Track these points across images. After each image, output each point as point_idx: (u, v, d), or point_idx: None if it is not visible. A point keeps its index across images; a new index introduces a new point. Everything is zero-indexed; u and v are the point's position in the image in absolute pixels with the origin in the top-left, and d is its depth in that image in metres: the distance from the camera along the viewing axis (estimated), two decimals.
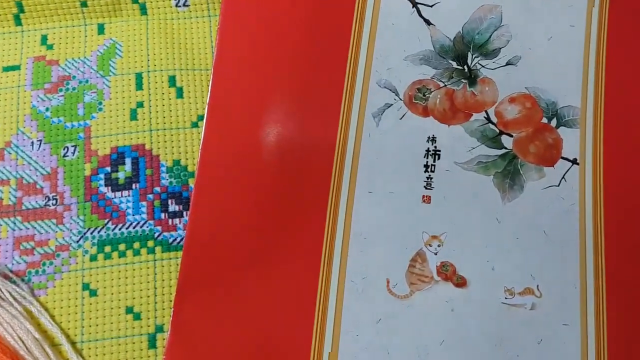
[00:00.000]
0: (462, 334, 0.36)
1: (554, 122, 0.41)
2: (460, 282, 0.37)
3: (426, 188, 0.39)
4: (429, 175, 0.39)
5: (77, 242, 0.40)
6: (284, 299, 0.38)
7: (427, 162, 0.39)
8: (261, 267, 0.39)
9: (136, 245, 0.41)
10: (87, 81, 0.43)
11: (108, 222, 0.41)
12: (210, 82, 0.41)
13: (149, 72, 0.46)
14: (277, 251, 0.39)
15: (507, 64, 0.42)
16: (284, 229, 0.40)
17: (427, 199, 0.39)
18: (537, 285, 0.37)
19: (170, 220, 0.42)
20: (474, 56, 0.42)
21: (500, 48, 0.42)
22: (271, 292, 0.39)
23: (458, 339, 0.36)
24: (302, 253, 0.39)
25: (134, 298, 0.40)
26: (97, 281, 0.40)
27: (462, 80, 0.42)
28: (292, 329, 0.37)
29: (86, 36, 0.44)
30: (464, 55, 0.42)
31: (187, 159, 0.42)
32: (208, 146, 0.41)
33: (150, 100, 0.43)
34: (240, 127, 0.41)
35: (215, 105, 0.42)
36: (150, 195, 0.42)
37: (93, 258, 0.40)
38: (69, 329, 0.38)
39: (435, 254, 0.37)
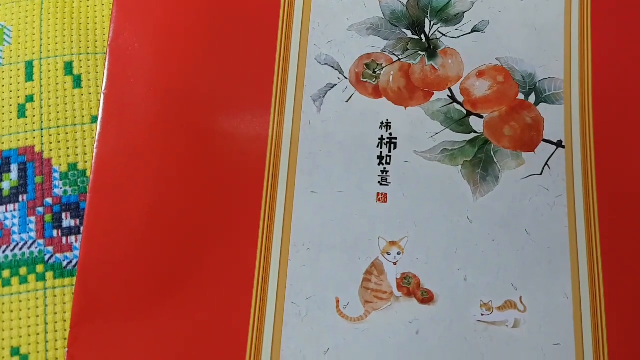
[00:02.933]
0: None
1: (532, 98, 0.38)
2: (426, 298, 0.35)
3: (381, 184, 0.37)
4: (384, 168, 0.37)
5: None
6: (207, 331, 0.35)
7: (381, 152, 0.37)
8: (177, 291, 0.35)
9: (23, 271, 0.38)
10: None
11: None
12: (106, 66, 0.37)
13: (41, 59, 0.42)
14: (198, 271, 0.36)
15: (473, 30, 0.39)
16: (205, 244, 0.36)
17: (382, 198, 0.36)
18: (520, 297, 0.35)
19: (64, 239, 0.39)
20: (432, 23, 0.39)
21: (464, 12, 0.39)
22: (191, 323, 0.35)
23: None
24: (229, 272, 0.35)
25: (20, 336, 0.37)
26: None
27: (420, 52, 0.39)
28: None
29: None
30: (420, 22, 0.39)
31: (85, 161, 0.39)
32: (104, 144, 0.37)
33: (42, 93, 0.41)
34: (144, 121, 0.37)
35: (111, 95, 0.38)
36: (41, 209, 0.39)
37: None
38: None
39: (395, 264, 0.35)
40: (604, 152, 0.37)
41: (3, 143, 0.40)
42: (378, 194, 0.36)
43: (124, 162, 0.37)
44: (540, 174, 0.36)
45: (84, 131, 0.41)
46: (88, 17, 0.43)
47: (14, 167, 0.39)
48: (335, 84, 0.38)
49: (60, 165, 0.40)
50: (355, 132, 0.37)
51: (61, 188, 0.40)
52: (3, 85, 0.41)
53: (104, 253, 0.36)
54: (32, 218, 0.39)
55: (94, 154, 0.36)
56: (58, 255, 0.39)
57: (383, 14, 0.39)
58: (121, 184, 0.36)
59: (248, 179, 0.37)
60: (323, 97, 0.38)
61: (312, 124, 0.38)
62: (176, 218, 0.36)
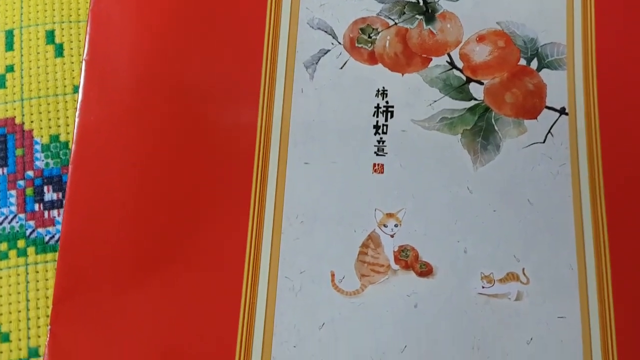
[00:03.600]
0: (429, 336, 0.33)
1: (534, 64, 0.37)
2: (425, 271, 0.34)
3: (377, 154, 0.36)
4: (380, 138, 0.36)
5: None
6: (196, 308, 0.34)
7: (377, 121, 0.36)
8: (165, 266, 0.34)
9: (3, 246, 0.37)
10: None
11: None
12: (87, 31, 0.36)
13: (21, 28, 0.41)
14: (187, 246, 0.35)
15: None
16: (195, 217, 0.35)
17: (379, 168, 0.36)
18: (523, 269, 0.34)
19: (46, 213, 0.38)
20: None
21: None
22: (179, 299, 0.34)
23: (424, 343, 0.33)
24: (219, 246, 0.34)
25: (0, 314, 0.36)
26: None
27: (417, 16, 0.38)
28: (208, 345, 0.33)
29: None
30: None
31: (68, 133, 0.38)
32: (86, 113, 0.36)
33: (22, 63, 0.40)
34: (128, 88, 0.36)
35: (93, 61, 0.36)
36: (22, 182, 0.38)
37: None
38: None
39: (392, 236, 0.34)
40: (609, 119, 0.36)
41: None
42: (374, 164, 0.36)
43: (107, 131, 0.36)
44: (543, 142, 0.36)
45: (66, 102, 0.40)
46: None
47: None
48: (329, 50, 0.37)
49: (42, 137, 0.39)
50: (350, 101, 0.37)
51: (43, 160, 0.39)
52: None
53: (87, 227, 0.34)
54: (13, 192, 0.38)
55: (76, 123, 0.35)
56: (40, 230, 0.38)
57: None
58: (105, 154, 0.35)
59: (238, 149, 0.36)
60: (316, 63, 0.37)
61: (304, 92, 0.37)
62: (164, 190, 0.35)
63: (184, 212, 0.35)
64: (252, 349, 0.33)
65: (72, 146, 0.35)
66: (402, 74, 0.37)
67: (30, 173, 0.39)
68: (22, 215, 0.38)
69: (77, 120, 0.35)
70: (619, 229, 0.34)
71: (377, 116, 0.36)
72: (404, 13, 0.38)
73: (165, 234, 0.35)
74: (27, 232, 0.38)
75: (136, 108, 0.36)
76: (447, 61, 0.37)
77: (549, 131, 0.36)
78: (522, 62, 0.37)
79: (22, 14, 0.41)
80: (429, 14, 0.38)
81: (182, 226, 0.35)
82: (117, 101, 0.36)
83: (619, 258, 0.34)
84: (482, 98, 0.37)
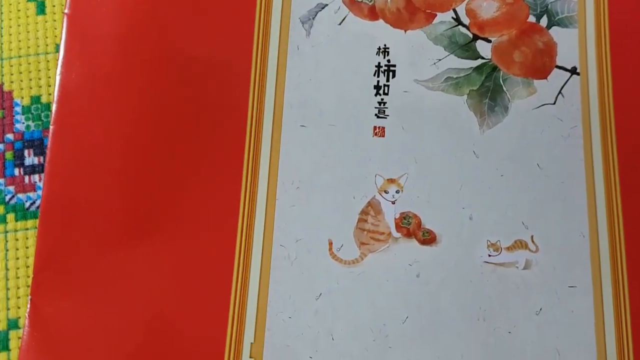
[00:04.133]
0: (431, 307, 0.32)
1: (544, 21, 0.36)
2: (428, 239, 0.33)
3: (378, 117, 0.35)
4: (382, 99, 0.35)
5: None
6: (185, 275, 0.32)
7: (378, 82, 0.35)
8: (153, 233, 0.33)
9: None
10: None
11: None
12: None
13: None
14: (175, 212, 0.33)
15: None
16: (183, 181, 0.34)
17: (380, 132, 0.34)
18: (532, 237, 0.33)
19: (26, 178, 0.37)
20: None
21: None
22: (167, 267, 0.33)
23: (426, 314, 0.32)
24: (210, 213, 0.33)
25: None
26: None
27: None
28: (198, 315, 0.32)
29: None
30: None
31: (50, 94, 0.37)
32: (68, 71, 0.34)
33: (2, 21, 0.39)
34: (112, 43, 0.35)
35: (75, 16, 0.35)
36: (1, 146, 0.37)
37: None
38: None
39: (393, 203, 0.34)
40: (622, 79, 0.35)
41: None
42: (375, 127, 0.34)
43: (90, 90, 0.34)
44: (554, 104, 0.35)
45: (48, 61, 0.39)
46: None
47: None
48: (327, 4, 0.36)
49: (22, 98, 0.38)
50: (349, 59, 0.35)
51: (23, 123, 0.38)
52: None
53: (69, 191, 0.33)
54: None
55: (57, 81, 0.34)
56: (20, 195, 0.37)
57: None
58: (88, 115, 0.34)
59: (230, 111, 0.34)
60: (313, 19, 0.36)
61: (300, 50, 0.35)
62: (150, 151, 0.34)
63: (172, 175, 0.34)
64: (245, 319, 0.32)
65: (53, 106, 0.33)
66: (405, 31, 0.36)
67: (10, 136, 0.38)
68: (1, 180, 0.37)
69: (58, 78, 0.34)
70: (633, 194, 0.33)
71: (378, 76, 0.35)
72: None
73: (152, 197, 0.33)
74: (7, 198, 0.37)
75: (120, 64, 0.34)
76: (452, 17, 0.36)
77: (560, 92, 0.35)
78: (532, 19, 0.36)
79: None
80: None
81: (171, 190, 0.33)
82: (101, 58, 0.34)
83: (632, 224, 0.33)
84: (489, 56, 0.35)
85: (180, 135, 0.34)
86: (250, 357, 0.32)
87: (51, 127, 0.33)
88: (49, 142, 0.33)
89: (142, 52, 0.34)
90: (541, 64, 0.35)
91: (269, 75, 0.35)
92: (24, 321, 0.33)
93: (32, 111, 0.38)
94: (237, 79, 0.34)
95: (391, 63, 0.35)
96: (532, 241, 0.33)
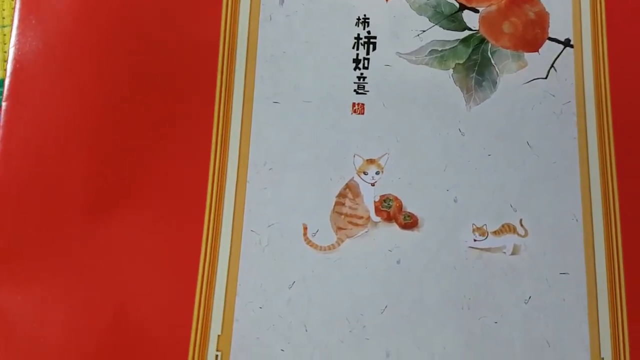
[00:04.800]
0: (412, 295, 0.32)
1: None
2: (409, 223, 0.32)
3: (357, 92, 0.34)
4: (361, 74, 0.34)
5: None
6: (150, 264, 0.31)
7: (357, 54, 0.34)
8: (114, 218, 0.32)
9: None
10: None
11: None
12: None
13: None
14: (137, 194, 0.32)
15: None
16: (144, 162, 0.32)
17: (359, 108, 0.34)
18: (520, 220, 0.32)
19: None
20: None
21: None
22: (130, 256, 0.31)
23: (407, 303, 0.31)
24: (174, 195, 0.32)
25: None
26: None
27: None
28: (162, 305, 0.31)
29: None
30: None
31: (4, 70, 0.33)
32: (22, 43, 0.33)
33: None
34: (68, 14, 0.33)
35: None
36: None
37: None
38: None
39: (373, 184, 0.33)
40: (619, 51, 0.34)
41: None
42: (354, 104, 0.34)
43: (45, 62, 0.33)
44: (545, 78, 0.34)
45: (5, 35, 0.37)
46: None
47: None
48: None
49: None
50: (326, 30, 0.34)
51: None
52: None
53: (24, 173, 0.32)
54: None
55: (10, 56, 0.32)
56: None
57: None
58: (43, 91, 0.32)
59: (195, 84, 0.33)
60: None
61: (273, 20, 0.34)
62: (109, 132, 0.32)
63: (134, 156, 0.32)
64: (212, 310, 0.31)
65: (6, 80, 0.32)
66: (387, 0, 0.35)
67: None
68: None
69: (11, 51, 0.32)
70: (630, 175, 0.33)
71: (357, 48, 0.34)
72: None
73: (113, 179, 0.32)
74: None
75: (78, 33, 0.33)
76: None
77: (552, 65, 0.34)
78: None
79: None
80: None
81: (132, 171, 0.32)
82: (56, 31, 0.33)
83: (629, 207, 0.32)
84: (477, 28, 0.35)
85: (142, 112, 0.32)
86: (217, 349, 0.31)
87: (3, 103, 0.32)
88: (2, 120, 0.31)
89: (100, 23, 0.33)
90: (532, 35, 0.34)
91: (238, 46, 0.34)
92: None
93: None
94: (204, 50, 0.33)
95: (371, 35, 0.34)
96: (521, 225, 0.32)
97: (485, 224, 0.32)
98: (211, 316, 0.31)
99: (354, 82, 0.34)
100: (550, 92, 0.34)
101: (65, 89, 0.32)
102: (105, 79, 0.32)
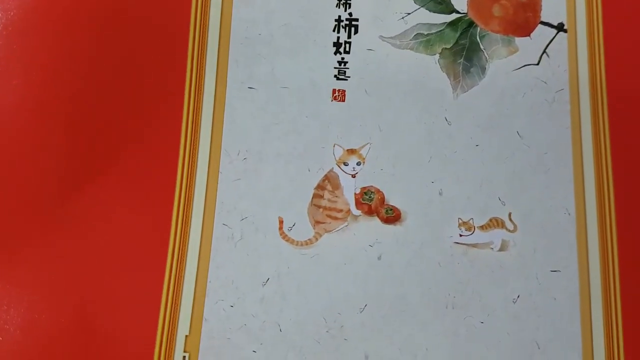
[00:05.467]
0: (394, 293, 0.31)
1: None
2: (392, 217, 0.32)
3: (338, 78, 0.33)
4: (342, 58, 0.33)
5: None
6: (113, 259, 0.31)
7: (338, 38, 0.34)
8: (77, 210, 0.31)
9: None
10: None
11: None
12: None
13: None
14: (101, 183, 0.31)
15: None
16: (109, 149, 0.31)
17: (339, 95, 0.33)
18: (509, 214, 0.32)
19: None
20: None
21: None
22: (93, 250, 0.31)
23: (388, 301, 0.31)
24: (140, 186, 0.31)
25: None
26: None
27: None
28: (126, 304, 0.30)
29: None
30: None
31: None
32: None
33: None
34: None
35: None
36: None
37: None
38: None
39: (354, 176, 0.32)
40: (615, 37, 0.34)
41: None
42: (334, 90, 0.33)
43: (6, 32, 0.32)
44: (537, 64, 0.34)
45: None
46: None
47: None
48: None
49: None
50: (305, 11, 0.34)
51: None
52: None
53: None
54: None
55: None
56: None
57: None
58: (9, 69, 0.31)
59: (166, 67, 0.32)
60: None
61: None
62: (71, 118, 0.31)
63: (97, 141, 0.31)
64: (180, 308, 0.30)
65: None
66: None
67: None
68: None
69: None
70: (626, 167, 0.32)
71: (338, 31, 0.34)
72: None
73: (75, 170, 0.31)
74: None
75: (40, 13, 0.32)
76: None
77: (544, 51, 0.34)
78: None
79: None
80: None
81: (96, 158, 0.31)
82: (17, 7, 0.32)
83: (624, 201, 0.32)
84: (465, 10, 0.34)
85: (108, 96, 0.32)
86: (185, 351, 0.30)
87: None
88: None
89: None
90: (524, 19, 0.34)
91: (211, 26, 0.33)
92: None
93: None
94: (174, 30, 0.33)
95: (353, 17, 0.34)
96: (510, 219, 0.32)
97: (472, 218, 0.32)
98: (178, 315, 0.30)
99: (335, 68, 0.33)
100: (542, 79, 0.33)
101: (23, 72, 0.31)
102: (74, 60, 0.32)
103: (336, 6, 0.33)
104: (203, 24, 0.33)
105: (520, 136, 0.32)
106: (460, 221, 0.32)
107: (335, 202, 0.32)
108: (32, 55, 0.32)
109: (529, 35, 0.34)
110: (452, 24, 0.34)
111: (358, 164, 0.32)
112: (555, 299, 0.31)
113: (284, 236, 0.31)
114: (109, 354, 0.29)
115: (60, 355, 0.29)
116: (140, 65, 0.32)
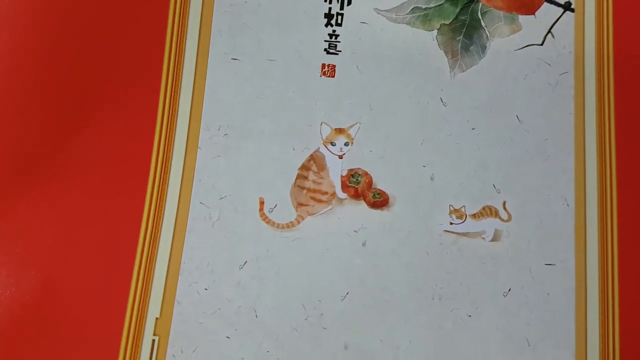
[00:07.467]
0: (377, 281, 0.31)
1: None
2: (379, 201, 0.32)
3: (328, 52, 0.33)
4: (333, 31, 0.33)
5: None
6: (81, 235, 0.31)
7: (329, 9, 0.33)
8: (44, 179, 0.31)
9: None
10: None
11: None
12: None
13: None
14: (74, 153, 0.31)
15: None
16: (81, 123, 0.31)
17: (329, 70, 0.33)
18: (504, 203, 0.32)
19: None
20: None
21: None
22: (61, 225, 0.31)
23: (371, 290, 0.31)
24: (114, 160, 0.31)
25: None
26: None
27: None
28: (94, 284, 0.30)
29: None
30: None
31: None
32: None
33: None
34: None
35: None
36: None
37: None
38: None
39: (341, 157, 0.32)
40: (625, 18, 0.33)
41: None
42: (323, 65, 0.33)
43: None
44: (541, 45, 0.34)
45: None
46: None
47: None
48: None
49: None
50: None
51: None
52: None
53: None
54: None
55: None
56: None
57: None
58: None
59: (144, 35, 0.32)
60: None
61: None
62: (39, 86, 0.31)
63: (72, 114, 0.31)
64: (151, 289, 0.30)
65: None
66: None
67: None
68: None
69: None
70: (631, 156, 0.32)
71: (330, 2, 0.33)
72: None
73: (47, 135, 0.31)
74: None
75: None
76: None
77: (549, 31, 0.34)
78: None
79: None
80: None
81: (66, 133, 0.31)
82: None
83: (627, 193, 0.31)
84: None
85: (86, 63, 0.32)
86: (154, 334, 0.30)
87: None
88: None
89: None
90: None
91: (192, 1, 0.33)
92: None
93: None
94: (152, 5, 0.32)
95: None
96: (504, 208, 0.32)
97: (464, 206, 0.32)
98: (149, 296, 0.30)
99: (325, 40, 0.33)
100: (545, 61, 0.33)
101: (3, 28, 0.31)
102: (53, 24, 0.32)
103: None
104: None
105: (519, 120, 0.32)
106: (451, 208, 0.32)
107: (320, 183, 0.32)
108: (9, 15, 0.31)
109: (533, 14, 0.34)
110: None
111: (346, 144, 0.32)
112: (548, 294, 0.31)
113: (265, 218, 0.31)
114: (75, 334, 0.29)
115: (25, 333, 0.29)
116: (117, 32, 0.32)
